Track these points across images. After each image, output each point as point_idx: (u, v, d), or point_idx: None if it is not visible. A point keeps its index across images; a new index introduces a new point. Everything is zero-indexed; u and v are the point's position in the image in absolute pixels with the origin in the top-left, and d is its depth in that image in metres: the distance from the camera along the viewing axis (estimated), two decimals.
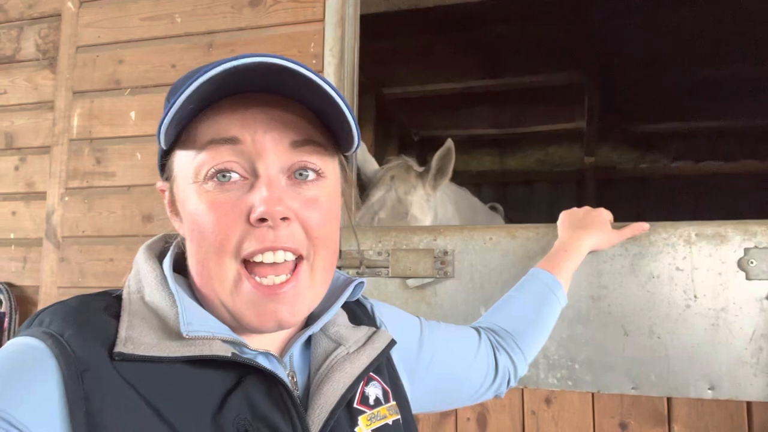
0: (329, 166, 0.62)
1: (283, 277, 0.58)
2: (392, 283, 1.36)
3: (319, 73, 0.58)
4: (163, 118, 0.55)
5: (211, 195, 0.57)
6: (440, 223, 1.86)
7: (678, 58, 3.33)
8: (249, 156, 0.57)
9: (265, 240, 0.56)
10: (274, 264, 0.58)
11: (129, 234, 1.63)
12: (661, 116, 4.13)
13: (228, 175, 0.57)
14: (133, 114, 1.68)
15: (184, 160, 0.60)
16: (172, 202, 0.65)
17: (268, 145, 0.57)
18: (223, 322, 0.59)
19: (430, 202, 1.85)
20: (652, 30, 3.12)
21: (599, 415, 1.28)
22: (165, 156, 0.63)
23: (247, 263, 0.58)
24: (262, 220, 0.55)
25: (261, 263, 0.58)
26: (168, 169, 0.64)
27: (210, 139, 0.57)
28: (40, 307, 1.69)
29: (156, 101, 1.66)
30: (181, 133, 0.60)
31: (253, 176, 0.57)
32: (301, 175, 0.59)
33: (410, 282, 1.35)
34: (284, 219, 0.56)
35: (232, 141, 0.57)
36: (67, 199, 1.71)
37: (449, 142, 1.80)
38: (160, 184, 0.67)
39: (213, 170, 0.57)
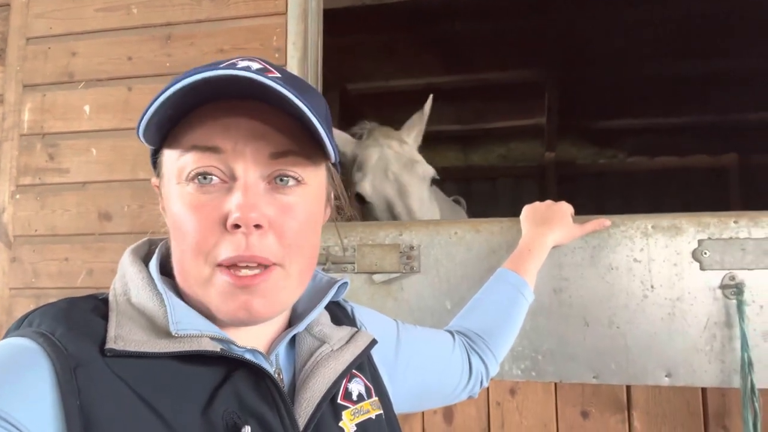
0: (311, 174, 0.62)
1: (256, 271, 0.58)
2: (358, 279, 1.36)
3: (286, 69, 0.57)
4: (139, 123, 0.56)
5: (192, 196, 0.58)
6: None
7: (634, 55, 3.42)
8: (228, 162, 0.58)
9: (238, 247, 0.57)
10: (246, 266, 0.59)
11: (84, 232, 1.57)
12: (617, 113, 4.23)
13: (209, 177, 0.58)
14: (87, 108, 1.61)
15: (169, 159, 0.61)
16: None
17: (248, 155, 0.58)
18: (210, 321, 0.60)
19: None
20: (609, 28, 3.20)
21: (562, 404, 1.30)
22: (156, 153, 0.64)
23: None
24: (236, 226, 0.56)
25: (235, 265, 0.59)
26: (159, 166, 0.64)
27: (192, 144, 0.58)
28: None
29: (111, 95, 1.61)
30: (168, 132, 0.60)
31: (232, 180, 0.58)
32: (282, 180, 0.60)
33: (376, 277, 1.35)
34: (257, 227, 0.57)
35: (214, 150, 0.58)
36: (18, 196, 1.64)
37: (430, 99, 1.91)
38: (155, 180, 0.67)
39: (194, 172, 0.58)
